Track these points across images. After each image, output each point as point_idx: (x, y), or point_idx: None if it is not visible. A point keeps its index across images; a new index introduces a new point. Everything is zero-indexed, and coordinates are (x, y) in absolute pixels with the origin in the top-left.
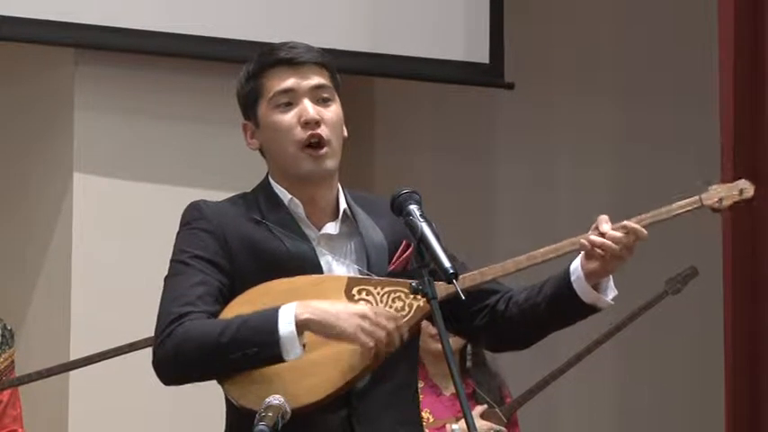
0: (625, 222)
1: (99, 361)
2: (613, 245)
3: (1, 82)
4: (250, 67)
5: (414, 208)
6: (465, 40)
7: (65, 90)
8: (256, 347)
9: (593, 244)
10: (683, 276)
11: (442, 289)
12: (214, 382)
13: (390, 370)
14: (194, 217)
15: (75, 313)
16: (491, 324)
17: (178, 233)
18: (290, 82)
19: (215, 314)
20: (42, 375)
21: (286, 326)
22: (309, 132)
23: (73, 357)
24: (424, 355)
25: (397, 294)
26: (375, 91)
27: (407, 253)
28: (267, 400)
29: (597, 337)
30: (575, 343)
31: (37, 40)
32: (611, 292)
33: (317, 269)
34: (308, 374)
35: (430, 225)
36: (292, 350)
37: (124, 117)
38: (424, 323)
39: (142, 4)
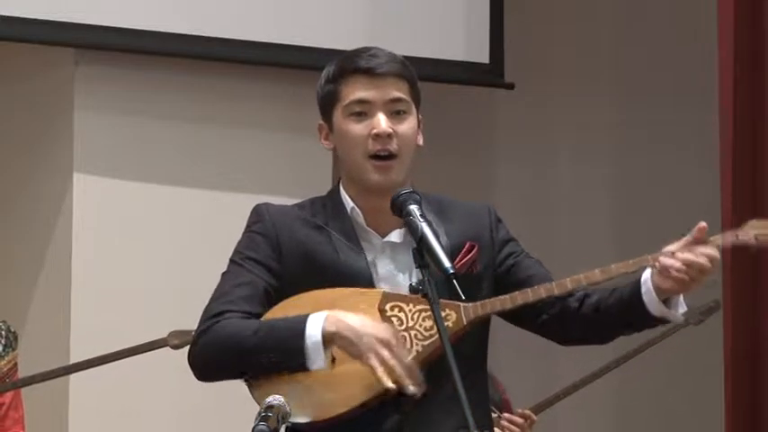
0: (700, 249)
1: (100, 364)
2: (705, 265)
3: (1, 82)
4: (331, 69)
5: (414, 208)
6: (465, 40)
7: (65, 90)
8: (282, 354)
9: (683, 261)
10: (707, 309)
11: (470, 311)
12: (218, 384)
13: (447, 377)
14: (254, 220)
15: (75, 313)
16: (562, 320)
17: (242, 235)
18: (365, 93)
19: (257, 315)
20: (44, 378)
21: (313, 336)
22: (379, 147)
23: (73, 357)
24: None
25: (428, 313)
26: None
27: (471, 255)
28: (267, 399)
29: (617, 357)
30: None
31: (37, 40)
32: (681, 308)
33: (368, 282)
34: (335, 388)
35: (430, 225)
36: (317, 360)
37: (124, 117)
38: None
39: (142, 4)
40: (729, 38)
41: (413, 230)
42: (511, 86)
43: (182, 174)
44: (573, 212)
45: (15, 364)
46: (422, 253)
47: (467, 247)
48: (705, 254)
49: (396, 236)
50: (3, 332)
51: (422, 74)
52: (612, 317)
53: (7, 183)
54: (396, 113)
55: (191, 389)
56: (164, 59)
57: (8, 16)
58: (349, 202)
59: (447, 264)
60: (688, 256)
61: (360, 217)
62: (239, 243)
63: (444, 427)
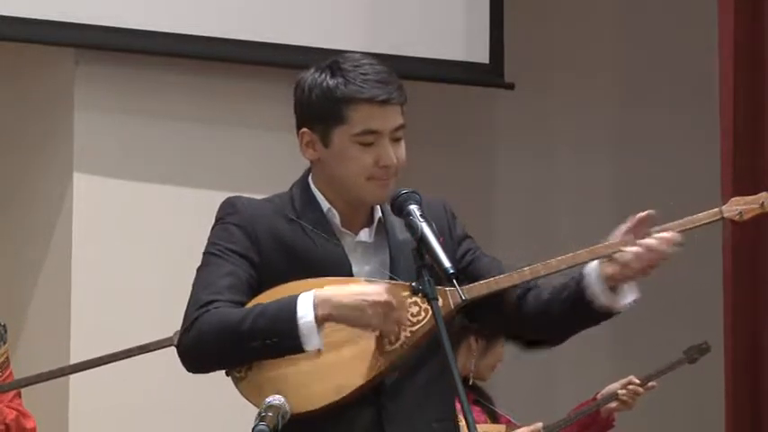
0: (663, 234)
1: (99, 365)
2: (659, 254)
3: (1, 82)
4: (332, 82)
5: (414, 208)
6: (465, 40)
7: (65, 90)
8: (276, 337)
9: (645, 248)
10: (699, 348)
11: (457, 296)
12: (216, 380)
13: (420, 367)
14: (227, 212)
15: (75, 313)
16: (509, 321)
17: (213, 227)
18: (378, 124)
19: (243, 305)
20: (42, 379)
21: (304, 317)
22: (384, 176)
23: (73, 357)
24: None
25: (413, 300)
26: None
27: None
28: (267, 399)
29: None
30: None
31: (37, 40)
32: (631, 295)
33: (347, 270)
34: (324, 377)
35: (430, 225)
36: (311, 340)
37: (124, 117)
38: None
39: (142, 4)
40: (729, 38)
41: (413, 230)
42: (511, 86)
43: (181, 174)
44: (573, 212)
45: (7, 359)
46: (422, 253)
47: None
48: (666, 239)
49: (364, 235)
50: None
51: (422, 74)
52: (557, 312)
53: (7, 183)
54: (396, 140)
55: (191, 388)
56: (164, 59)
57: (8, 16)
58: (325, 203)
59: (447, 264)
60: (650, 242)
61: (336, 218)
62: (214, 235)
63: (420, 419)
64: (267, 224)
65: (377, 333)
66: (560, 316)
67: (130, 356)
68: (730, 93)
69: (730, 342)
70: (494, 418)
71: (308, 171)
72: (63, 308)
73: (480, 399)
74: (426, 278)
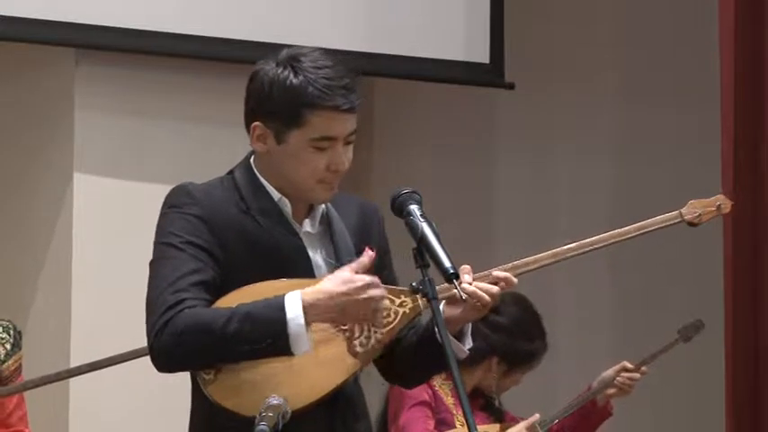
0: (495, 272)
1: (102, 368)
2: (485, 296)
3: (1, 82)
4: (294, 82)
5: (414, 208)
6: (465, 40)
7: (65, 90)
8: (264, 341)
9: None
10: (693, 326)
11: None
12: None
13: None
14: (184, 201)
15: (76, 314)
16: (392, 361)
17: (165, 214)
18: (336, 130)
19: (209, 304)
20: (45, 381)
21: (294, 319)
22: (333, 178)
23: (73, 358)
24: None
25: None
26: (375, 91)
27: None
28: (267, 399)
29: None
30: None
31: (37, 40)
32: (468, 341)
33: (308, 262)
34: (298, 380)
35: (430, 225)
36: (301, 344)
37: (124, 117)
38: None
39: (142, 4)
40: (730, 38)
41: (413, 230)
42: (511, 86)
43: (181, 174)
44: (573, 212)
45: (20, 365)
46: (422, 253)
47: (366, 252)
48: (500, 278)
49: (308, 225)
50: (11, 332)
51: (422, 74)
52: (413, 352)
53: (7, 182)
54: (347, 143)
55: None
56: (164, 59)
57: (8, 16)
58: (275, 193)
59: (447, 264)
60: (482, 284)
61: (287, 206)
62: (171, 224)
63: (364, 422)
64: (226, 216)
65: (348, 335)
66: (415, 358)
67: (121, 362)
68: (730, 93)
69: (730, 333)
70: (499, 418)
71: (250, 157)
72: (63, 308)
73: (484, 400)
74: (426, 278)
